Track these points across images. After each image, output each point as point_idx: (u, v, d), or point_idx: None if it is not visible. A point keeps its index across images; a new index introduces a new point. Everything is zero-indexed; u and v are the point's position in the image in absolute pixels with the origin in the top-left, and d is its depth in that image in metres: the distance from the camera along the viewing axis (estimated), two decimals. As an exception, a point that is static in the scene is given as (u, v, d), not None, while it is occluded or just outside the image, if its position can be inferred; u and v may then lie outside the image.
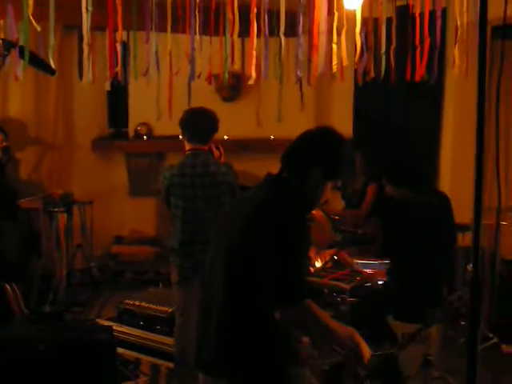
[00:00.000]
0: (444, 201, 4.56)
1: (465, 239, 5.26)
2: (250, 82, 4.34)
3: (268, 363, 2.55)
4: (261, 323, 2.54)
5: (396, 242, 4.54)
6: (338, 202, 6.77)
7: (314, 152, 2.65)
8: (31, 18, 3.97)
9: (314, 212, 4.84)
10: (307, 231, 2.60)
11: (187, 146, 4.38)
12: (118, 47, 4.38)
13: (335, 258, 4.98)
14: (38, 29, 4.07)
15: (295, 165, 2.67)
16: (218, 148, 4.56)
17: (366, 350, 2.65)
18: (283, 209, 2.54)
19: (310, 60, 4.32)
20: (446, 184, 6.51)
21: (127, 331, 5.11)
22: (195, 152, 4.33)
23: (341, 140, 2.72)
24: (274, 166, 2.77)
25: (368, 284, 4.59)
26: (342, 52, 4.31)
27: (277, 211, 2.53)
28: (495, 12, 2.24)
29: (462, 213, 4.86)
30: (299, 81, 4.45)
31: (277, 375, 2.57)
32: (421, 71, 4.45)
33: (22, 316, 4.75)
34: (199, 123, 4.35)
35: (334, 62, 4.31)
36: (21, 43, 4.21)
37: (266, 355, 2.55)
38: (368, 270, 4.75)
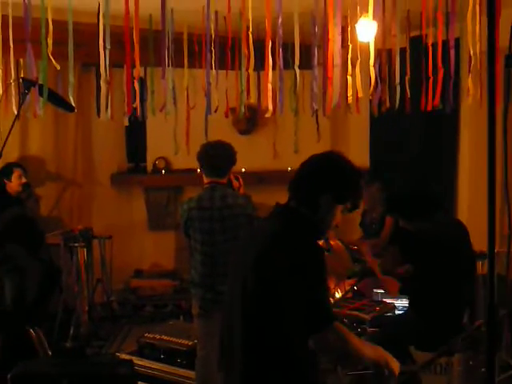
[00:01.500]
0: (461, 229, 4.53)
1: (485, 267, 5.24)
2: (267, 115, 4.39)
3: None
4: (286, 357, 2.52)
5: (415, 272, 4.52)
6: (356, 231, 6.78)
7: (321, 179, 2.63)
8: (50, 56, 4.05)
9: (332, 242, 4.86)
10: (323, 257, 2.60)
11: (205, 180, 4.42)
12: (136, 83, 4.45)
13: (355, 288, 4.98)
14: (58, 67, 4.16)
15: (304, 194, 2.64)
16: (237, 179, 4.59)
17: (396, 365, 2.65)
18: (296, 240, 2.53)
19: (325, 92, 4.36)
20: (463, 212, 6.50)
21: (148, 365, 5.11)
22: (213, 185, 4.36)
23: (346, 162, 2.68)
24: (291, 198, 2.77)
25: (389, 314, 4.58)
26: (356, 84, 4.35)
27: (290, 243, 2.52)
28: (506, 40, 2.26)
29: (482, 240, 4.84)
30: (315, 113, 4.49)
31: None
32: (435, 101, 4.47)
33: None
34: (216, 157, 4.38)
35: (349, 93, 4.35)
36: (40, 81, 4.29)
37: None
38: (388, 300, 4.75)
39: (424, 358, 4.60)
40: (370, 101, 4.73)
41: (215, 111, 4.69)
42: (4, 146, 4.72)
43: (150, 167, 7.64)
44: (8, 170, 6.45)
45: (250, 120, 7.27)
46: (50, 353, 4.64)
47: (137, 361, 4.67)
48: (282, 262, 2.48)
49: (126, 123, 7.16)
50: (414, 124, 6.68)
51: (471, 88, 4.50)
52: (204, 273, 4.30)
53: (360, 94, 4.37)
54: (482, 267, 5.19)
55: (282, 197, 2.77)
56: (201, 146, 4.47)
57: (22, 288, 6.19)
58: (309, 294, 2.47)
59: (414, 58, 4.66)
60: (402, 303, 4.85)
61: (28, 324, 4.61)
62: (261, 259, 2.54)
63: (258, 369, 2.55)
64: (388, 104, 4.64)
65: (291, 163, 7.10)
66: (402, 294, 4.63)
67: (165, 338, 5.18)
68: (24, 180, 6.53)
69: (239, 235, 4.23)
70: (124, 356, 5.11)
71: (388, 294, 4.83)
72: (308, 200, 2.62)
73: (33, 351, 4.49)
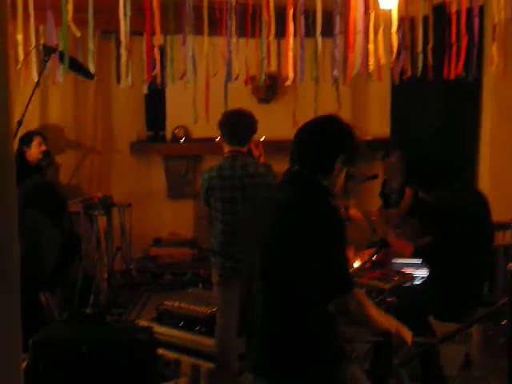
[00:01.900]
0: (480, 198, 4.50)
1: (505, 238, 5.21)
2: (287, 83, 4.36)
3: (320, 361, 2.55)
4: (309, 321, 2.55)
5: (434, 242, 4.50)
6: (375, 201, 6.75)
7: (334, 142, 2.64)
8: (71, 23, 4.04)
9: (351, 212, 4.84)
10: (343, 221, 2.60)
11: (226, 148, 4.40)
12: (156, 51, 4.43)
13: (374, 258, 4.96)
14: (78, 34, 4.15)
15: (319, 159, 2.63)
16: (257, 147, 4.57)
17: (408, 335, 2.71)
18: (315, 205, 2.55)
19: (346, 60, 4.32)
20: (485, 182, 6.44)
21: (167, 332, 5.14)
22: (234, 154, 4.34)
23: (348, 124, 2.70)
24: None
25: (407, 284, 4.57)
26: (379, 51, 4.30)
27: (309, 208, 2.53)
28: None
29: (502, 211, 4.82)
30: (335, 81, 4.46)
31: (331, 374, 2.57)
32: (458, 69, 4.42)
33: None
34: (237, 125, 4.35)
35: (371, 61, 4.30)
36: (61, 48, 4.29)
37: (316, 353, 2.55)
38: (407, 270, 4.73)
39: (443, 328, 4.61)
40: (392, 69, 4.68)
41: (235, 79, 4.67)
42: (24, 113, 4.74)
43: (169, 136, 7.63)
44: (28, 137, 6.47)
45: (270, 88, 7.22)
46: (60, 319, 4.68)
47: (156, 328, 4.70)
48: (302, 227, 2.49)
49: (146, 91, 7.18)
50: (435, 93, 6.61)
51: (495, 56, 4.45)
52: (224, 242, 4.31)
53: (382, 62, 4.33)
54: (502, 238, 5.17)
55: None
56: (222, 115, 4.44)
57: (37, 253, 6.23)
58: (330, 259, 2.49)
59: (437, 26, 4.60)
60: (421, 273, 4.83)
61: (42, 290, 4.64)
62: (280, 227, 2.55)
63: (278, 332, 2.57)
64: (410, 72, 4.59)
65: (311, 132, 7.12)
66: (415, 257, 4.60)
67: (184, 305, 5.20)
68: (44, 148, 6.55)
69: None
70: (143, 323, 5.14)
71: (401, 257, 4.79)
72: (322, 164, 2.63)
73: (42, 318, 4.53)
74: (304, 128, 2.72)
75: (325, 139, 2.65)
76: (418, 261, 4.80)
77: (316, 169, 2.62)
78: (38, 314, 4.44)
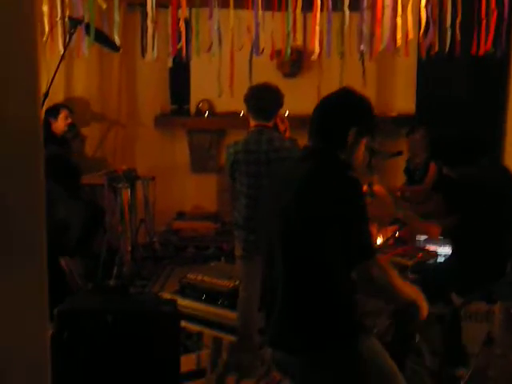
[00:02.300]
0: (507, 175, 4.46)
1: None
2: (313, 57, 4.33)
3: (340, 335, 2.56)
4: (329, 295, 2.56)
5: (459, 218, 4.48)
6: (400, 178, 6.71)
7: (347, 114, 2.65)
8: (97, -5, 4.04)
9: (375, 188, 4.82)
10: (362, 189, 2.62)
11: (252, 123, 4.38)
12: (181, 24, 4.41)
13: (397, 234, 4.95)
14: (104, 6, 4.14)
15: (331, 132, 2.66)
16: (283, 122, 4.55)
17: (426, 309, 2.72)
18: (334, 175, 2.56)
19: (373, 35, 4.28)
20: (511, 159, 6.39)
21: (190, 305, 5.18)
22: (260, 128, 4.33)
23: (362, 96, 2.71)
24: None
25: (430, 261, 4.56)
26: (407, 25, 4.25)
27: (329, 179, 2.55)
28: None
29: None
30: (362, 56, 4.42)
31: (350, 348, 2.57)
32: (487, 45, 4.37)
33: (78, 290, 4.86)
34: (264, 99, 4.33)
35: (398, 35, 4.26)
36: (86, 20, 4.28)
37: (336, 327, 2.56)
38: (430, 247, 4.72)
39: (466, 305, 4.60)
40: (419, 44, 4.63)
41: (261, 53, 4.65)
42: (50, 85, 4.76)
43: (193, 109, 7.63)
44: (55, 110, 6.51)
45: (295, 63, 7.18)
46: (82, 284, 4.73)
47: (179, 301, 4.74)
48: (321, 199, 2.50)
49: (170, 64, 7.18)
50: (461, 69, 6.54)
51: (525, 32, 4.38)
52: (248, 216, 4.31)
53: (410, 36, 4.28)
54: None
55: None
56: (248, 89, 4.42)
57: (57, 225, 6.29)
58: (351, 228, 2.49)
59: (466, 1, 4.54)
60: (444, 250, 4.81)
61: (63, 256, 4.69)
62: (302, 198, 2.55)
63: (298, 306, 2.58)
64: (437, 47, 4.53)
65: (335, 108, 7.09)
66: (444, 237, 4.59)
67: (206, 278, 5.23)
68: (70, 120, 6.59)
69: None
70: (166, 296, 5.18)
71: (430, 238, 4.78)
72: (336, 137, 2.64)
73: (64, 283, 4.57)
74: (320, 103, 2.74)
75: (336, 111, 2.68)
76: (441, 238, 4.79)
77: (330, 142, 2.64)
78: (63, 285, 4.49)
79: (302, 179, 2.60)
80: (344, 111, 2.66)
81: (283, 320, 2.62)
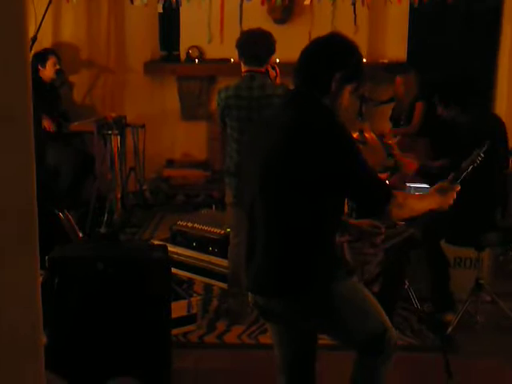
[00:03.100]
0: (498, 123, 4.46)
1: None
2: (306, 1, 4.27)
3: (319, 278, 2.57)
4: (310, 239, 2.56)
5: (448, 164, 4.47)
6: (387, 126, 6.68)
7: (331, 58, 2.59)
8: None
9: (367, 135, 4.81)
10: (349, 133, 2.58)
11: (243, 68, 4.34)
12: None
13: (387, 182, 4.95)
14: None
15: (315, 75, 2.60)
16: (274, 68, 4.51)
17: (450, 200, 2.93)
18: (317, 122, 2.51)
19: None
20: (502, 107, 6.38)
21: (180, 252, 5.22)
22: (252, 74, 4.29)
23: (351, 41, 2.65)
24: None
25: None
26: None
27: (318, 127, 2.49)
28: None
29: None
30: (354, 1, 4.37)
31: (329, 291, 2.58)
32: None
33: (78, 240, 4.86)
34: (256, 45, 4.28)
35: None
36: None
37: (316, 270, 2.57)
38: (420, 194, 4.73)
39: (455, 252, 4.64)
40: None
41: (251, -2, 4.58)
42: (38, 29, 4.69)
43: (183, 56, 7.53)
44: (43, 56, 6.44)
45: (286, 9, 7.08)
46: (81, 235, 4.72)
47: (170, 248, 4.76)
48: (305, 146, 2.46)
49: (160, 10, 7.07)
50: (454, 16, 6.49)
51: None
52: (239, 161, 4.30)
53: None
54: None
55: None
56: (240, 33, 4.37)
57: (55, 170, 6.28)
58: (350, 175, 2.49)
59: None
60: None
61: (57, 207, 4.67)
62: (283, 146, 2.51)
63: (281, 249, 2.58)
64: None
65: (326, 54, 7.03)
66: (419, 176, 4.58)
67: (197, 226, 5.26)
68: (58, 67, 6.53)
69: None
70: (157, 242, 5.21)
71: (405, 173, 4.77)
72: (320, 82, 2.59)
73: (63, 235, 4.57)
74: (306, 46, 2.67)
75: (320, 55, 2.62)
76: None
77: (313, 86, 2.59)
78: (55, 232, 4.49)
79: (284, 125, 2.57)
80: (329, 55, 2.60)
81: (265, 265, 2.62)
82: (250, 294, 2.76)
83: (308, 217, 2.52)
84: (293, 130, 2.53)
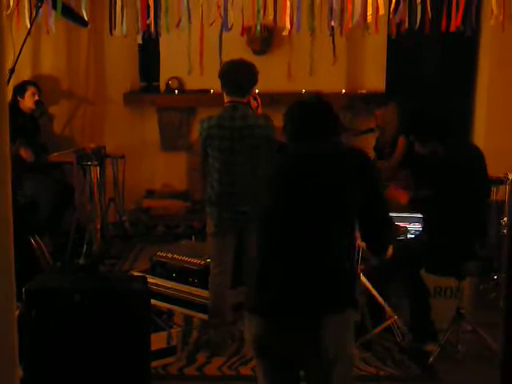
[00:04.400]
0: (477, 154, 4.49)
1: (499, 193, 5.22)
2: (284, 32, 4.30)
3: (352, 297, 2.74)
4: (348, 258, 2.75)
5: (428, 195, 4.50)
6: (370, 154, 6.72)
7: (333, 113, 2.89)
8: (63, -31, 3.96)
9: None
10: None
11: (226, 99, 4.34)
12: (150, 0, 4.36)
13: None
14: (70, -20, 4.06)
15: (331, 129, 2.87)
16: (255, 99, 4.52)
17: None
18: (357, 158, 2.79)
19: (343, 10, 4.26)
20: (480, 137, 6.44)
21: (160, 283, 5.18)
22: (234, 104, 4.30)
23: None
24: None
25: (401, 237, 4.58)
26: (378, 1, 4.24)
27: (361, 159, 2.78)
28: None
29: (496, 166, 4.82)
30: (332, 32, 4.40)
31: (356, 309, 2.76)
32: (457, 22, 4.37)
33: (49, 268, 4.82)
34: (239, 75, 4.29)
35: (369, 12, 4.24)
36: (53, -5, 4.20)
37: (350, 290, 2.75)
38: (401, 224, 4.74)
39: (435, 282, 4.64)
40: (389, 21, 4.62)
41: (230, 29, 4.60)
42: (17, 61, 4.68)
43: (163, 87, 7.55)
44: (22, 87, 6.44)
45: (265, 40, 7.13)
46: (53, 263, 4.68)
47: (149, 279, 4.73)
48: (357, 176, 2.71)
49: (140, 41, 7.09)
50: (431, 47, 6.56)
51: (495, 9, 4.38)
52: (221, 191, 4.29)
53: (381, 12, 4.27)
54: (495, 193, 5.18)
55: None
56: (223, 64, 4.37)
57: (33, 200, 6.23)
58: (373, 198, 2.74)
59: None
60: (414, 227, 4.85)
61: (32, 234, 4.64)
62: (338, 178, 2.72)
63: (318, 271, 2.69)
64: (407, 24, 4.53)
65: (306, 85, 7.06)
66: (410, 206, 4.61)
67: (177, 257, 5.23)
68: (37, 98, 6.52)
69: (258, 156, 4.20)
70: (136, 273, 5.16)
71: (396, 203, 4.79)
72: (334, 132, 2.88)
73: (33, 261, 4.53)
74: (305, 109, 2.89)
75: (330, 115, 2.89)
76: (412, 214, 4.81)
77: (331, 136, 2.87)
78: (33, 264, 4.45)
79: (325, 166, 2.75)
80: (332, 117, 2.89)
81: (310, 285, 2.67)
82: (260, 317, 2.72)
83: (347, 240, 2.74)
84: (333, 168, 2.76)
